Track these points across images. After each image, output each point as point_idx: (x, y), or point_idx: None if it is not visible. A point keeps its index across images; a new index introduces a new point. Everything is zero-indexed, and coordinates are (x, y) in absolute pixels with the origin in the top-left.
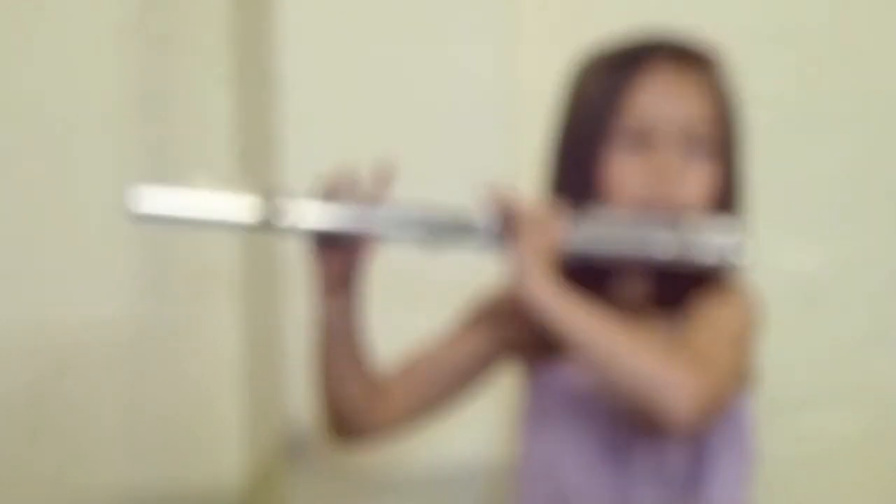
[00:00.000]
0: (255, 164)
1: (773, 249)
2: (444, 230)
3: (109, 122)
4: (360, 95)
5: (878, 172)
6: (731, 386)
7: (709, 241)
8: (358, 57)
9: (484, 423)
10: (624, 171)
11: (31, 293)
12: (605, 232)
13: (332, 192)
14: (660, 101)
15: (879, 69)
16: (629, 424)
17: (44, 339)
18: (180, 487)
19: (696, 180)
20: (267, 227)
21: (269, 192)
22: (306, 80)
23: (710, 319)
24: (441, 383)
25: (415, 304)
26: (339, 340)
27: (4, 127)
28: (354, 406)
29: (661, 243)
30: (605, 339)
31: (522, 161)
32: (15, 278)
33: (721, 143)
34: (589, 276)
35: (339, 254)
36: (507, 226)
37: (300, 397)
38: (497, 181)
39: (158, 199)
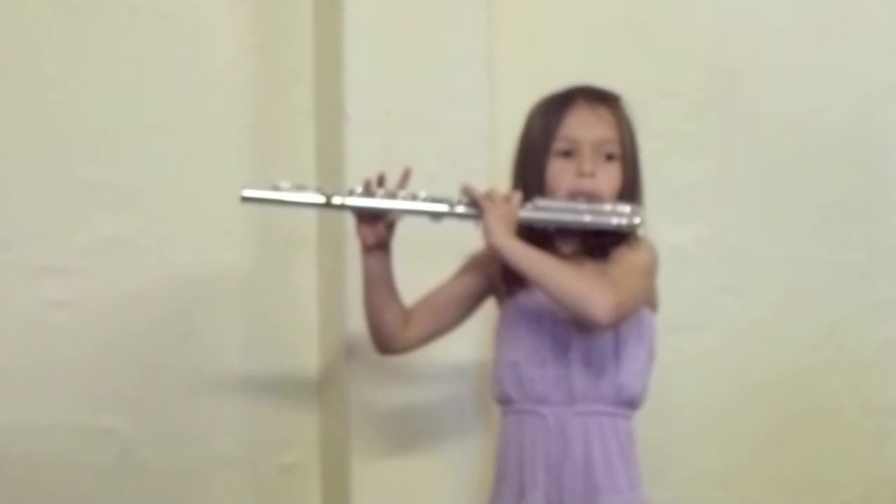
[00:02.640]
0: (328, 171)
1: (656, 228)
2: (440, 209)
3: (229, 138)
4: (395, 132)
5: (728, 177)
6: (635, 299)
7: (614, 214)
8: (393, 97)
9: (476, 335)
10: (559, 173)
11: (174, 249)
12: (547, 209)
13: (368, 186)
14: (580, 127)
15: (729, 114)
16: (566, 330)
17: (182, 280)
18: (277, 375)
19: (606, 178)
20: (328, 206)
21: (328, 188)
22: (363, 117)
23: (623, 260)
24: (447, 310)
25: (424, 260)
26: (378, 284)
27: (161, 133)
28: (390, 330)
29: (583, 216)
30: (549, 270)
31: (498, 165)
32: (162, 237)
33: (622, 154)
34: (539, 238)
35: (373, 225)
36: (476, 205)
37: (357, 320)
38: (470, 180)
39: (259, 190)
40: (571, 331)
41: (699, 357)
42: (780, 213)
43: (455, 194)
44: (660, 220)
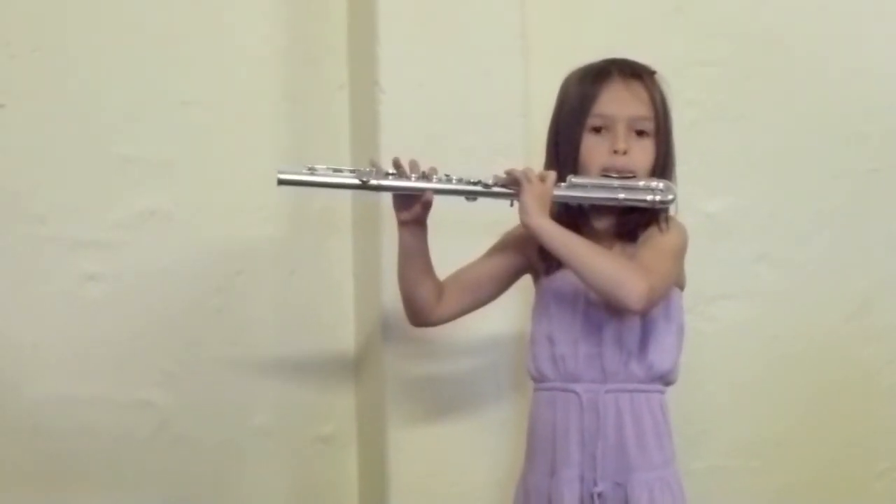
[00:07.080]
0: (363, 144)
1: (692, 198)
2: (476, 189)
3: (264, 112)
4: (429, 104)
5: (764, 146)
6: (666, 284)
7: (648, 190)
8: (427, 69)
9: (512, 309)
10: (593, 149)
11: (210, 223)
12: (582, 186)
13: (397, 164)
14: (614, 103)
15: (764, 83)
16: (598, 310)
17: (218, 253)
18: (314, 347)
19: (640, 155)
20: (363, 188)
21: (362, 167)
22: (397, 89)
23: (654, 242)
24: (482, 286)
25: (459, 235)
26: (413, 258)
27: (196, 107)
28: (424, 304)
29: (618, 192)
30: (583, 253)
31: (533, 136)
32: (198, 211)
33: (655, 130)
34: (574, 217)
35: (409, 204)
36: (515, 183)
37: (393, 291)
38: (509, 161)
39: (293, 172)
40: (604, 311)
41: (735, 326)
42: (816, 182)
43: (490, 166)
44: (695, 189)
